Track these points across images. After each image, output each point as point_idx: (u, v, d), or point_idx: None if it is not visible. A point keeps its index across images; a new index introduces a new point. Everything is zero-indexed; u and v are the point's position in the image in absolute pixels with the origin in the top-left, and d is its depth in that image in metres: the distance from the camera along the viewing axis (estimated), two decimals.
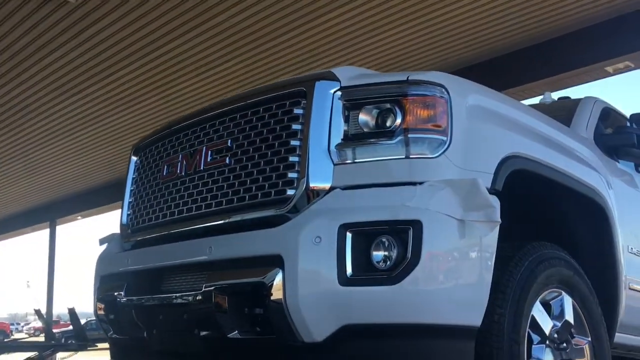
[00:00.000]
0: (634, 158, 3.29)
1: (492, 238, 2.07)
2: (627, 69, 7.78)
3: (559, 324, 2.38)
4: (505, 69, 7.73)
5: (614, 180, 3.08)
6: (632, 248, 3.00)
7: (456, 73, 2.72)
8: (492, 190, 2.16)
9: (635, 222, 3.14)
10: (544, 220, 2.76)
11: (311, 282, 1.99)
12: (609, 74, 7.93)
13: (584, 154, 2.95)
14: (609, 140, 3.31)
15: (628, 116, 3.73)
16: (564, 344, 2.42)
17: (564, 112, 3.54)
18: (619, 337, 2.89)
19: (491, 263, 2.07)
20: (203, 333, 2.23)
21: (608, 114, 3.66)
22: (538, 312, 2.27)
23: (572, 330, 2.46)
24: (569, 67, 7.51)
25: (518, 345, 2.11)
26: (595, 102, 3.62)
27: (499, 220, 2.05)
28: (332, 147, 2.19)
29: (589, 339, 2.49)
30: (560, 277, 2.41)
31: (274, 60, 7.50)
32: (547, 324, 2.30)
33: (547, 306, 2.38)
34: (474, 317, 2.02)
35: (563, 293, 2.42)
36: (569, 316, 2.41)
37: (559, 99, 4.32)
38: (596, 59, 7.41)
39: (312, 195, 2.15)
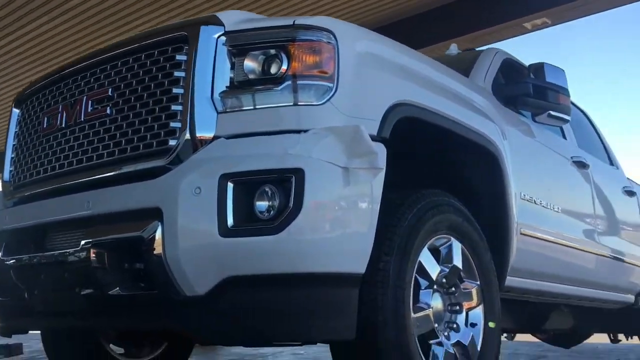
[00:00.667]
0: (531, 108, 3.35)
1: (376, 185, 2.06)
2: (545, 26, 7.98)
3: (447, 269, 2.42)
4: (424, 28, 7.76)
5: (510, 129, 3.14)
6: (525, 195, 3.08)
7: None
8: (378, 138, 2.14)
9: (529, 170, 3.23)
10: (437, 168, 2.78)
11: (191, 234, 1.93)
12: (527, 31, 8.10)
13: (480, 103, 2.98)
14: (507, 90, 3.36)
15: None
16: (453, 289, 2.47)
17: (467, 64, 3.57)
18: (512, 281, 3.00)
19: (376, 210, 2.06)
20: (84, 291, 2.14)
21: (509, 65, 3.71)
22: (426, 258, 2.30)
23: (461, 274, 2.52)
24: (487, 24, 7.63)
25: (403, 291, 2.13)
26: (496, 53, 3.66)
27: (383, 167, 2.04)
28: (216, 95, 2.11)
29: (478, 283, 2.56)
30: (449, 223, 2.44)
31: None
32: (434, 270, 2.34)
33: (436, 252, 2.42)
34: (358, 265, 2.02)
35: (452, 239, 2.46)
36: (458, 261, 2.46)
37: (464, 51, 4.35)
38: (514, 15, 7.55)
39: (195, 145, 2.07)
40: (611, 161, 5.01)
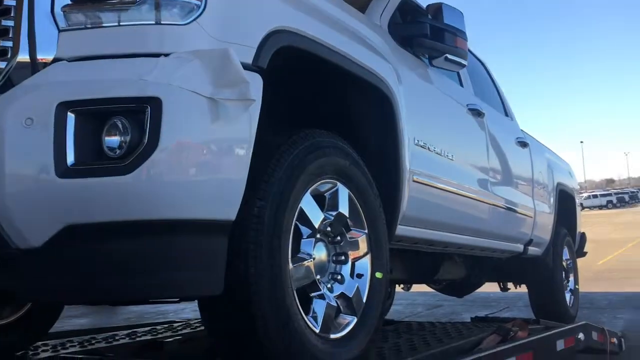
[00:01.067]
0: (427, 49, 3.19)
1: (247, 120, 1.80)
2: None
3: (332, 217, 2.23)
4: None
5: (406, 71, 2.97)
6: (418, 141, 2.94)
7: None
8: (254, 67, 1.87)
9: (424, 116, 3.09)
10: (324, 107, 2.56)
11: (21, 175, 1.60)
12: None
13: (374, 41, 2.76)
14: (403, 30, 3.17)
15: None
16: (338, 237, 2.29)
17: (364, 0, 3.34)
18: (403, 230, 2.87)
19: (248, 150, 1.81)
20: None
21: (408, 5, 3.53)
22: (307, 204, 2.09)
23: (348, 222, 2.34)
24: None
25: (279, 240, 1.91)
26: None
27: (255, 99, 1.78)
28: (58, 9, 1.75)
29: (366, 231, 2.39)
30: (335, 167, 2.23)
31: None
32: (317, 217, 2.13)
33: (320, 198, 2.21)
34: (227, 211, 1.77)
35: (338, 184, 2.26)
36: (344, 208, 2.26)
37: None
38: None
39: (30, 68, 1.72)
40: (506, 112, 5.02)
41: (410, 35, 3.15)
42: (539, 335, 3.47)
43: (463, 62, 3.33)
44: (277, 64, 1.98)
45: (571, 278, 5.96)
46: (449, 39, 3.22)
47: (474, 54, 4.93)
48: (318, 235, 2.17)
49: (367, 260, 2.38)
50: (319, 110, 2.54)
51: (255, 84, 1.84)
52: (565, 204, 5.89)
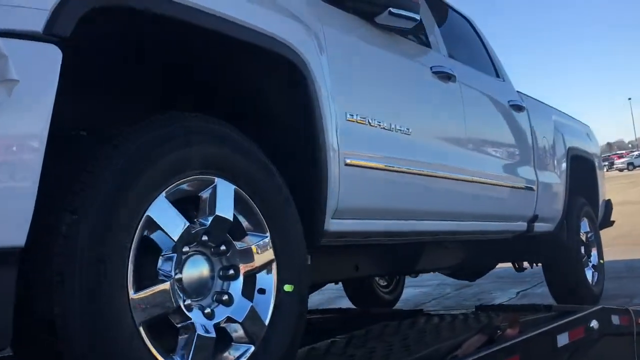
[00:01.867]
0: (363, 3, 2.65)
1: (31, 109, 1.33)
2: None
3: (207, 222, 1.74)
4: None
5: (334, 34, 2.44)
6: (353, 115, 2.42)
7: None
8: (47, 36, 1.39)
9: (363, 84, 2.56)
10: (217, 83, 2.07)
11: None
12: None
13: None
14: None
15: None
16: (223, 247, 1.80)
17: None
18: (340, 225, 2.36)
19: (38, 148, 1.33)
20: None
21: None
22: (159, 210, 1.59)
23: (242, 226, 1.85)
24: None
25: (105, 264, 1.43)
26: None
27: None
28: None
29: (267, 235, 1.90)
30: (208, 158, 1.74)
31: None
32: (176, 226, 1.64)
33: (189, 200, 1.73)
34: (11, 235, 1.30)
35: (217, 180, 1.77)
36: (225, 210, 1.77)
37: None
38: None
39: None
40: (498, 73, 4.41)
41: None
42: (533, 332, 2.92)
43: (414, 16, 2.78)
44: (119, 30, 1.51)
45: (593, 252, 5.33)
46: None
47: (457, 10, 4.34)
48: (187, 249, 1.70)
49: (271, 271, 1.89)
50: (206, 87, 2.05)
51: (46, 58, 1.36)
52: (582, 170, 5.24)
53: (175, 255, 1.63)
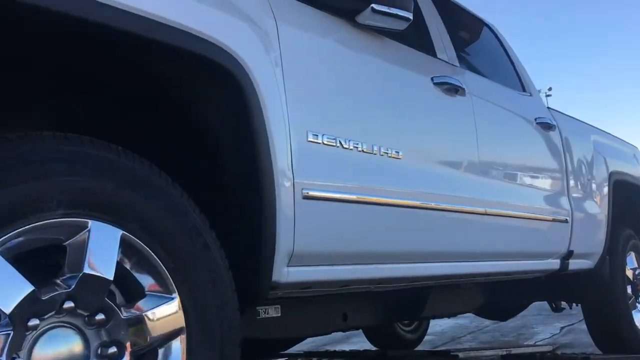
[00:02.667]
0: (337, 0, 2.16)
1: None
2: None
3: (72, 284, 1.26)
4: None
5: (297, 35, 1.96)
6: (318, 135, 1.92)
7: None
8: None
9: (333, 95, 2.06)
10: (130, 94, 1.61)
11: None
12: None
13: None
14: None
15: None
16: (101, 316, 1.31)
17: None
18: (300, 273, 1.85)
19: None
20: None
21: None
22: None
23: (143, 286, 1.37)
24: None
25: None
26: None
27: None
28: None
29: (175, 296, 1.40)
30: (75, 194, 1.27)
31: None
32: (12, 292, 1.16)
33: (43, 252, 1.26)
34: None
35: (91, 223, 1.29)
36: (101, 265, 1.28)
37: None
38: None
39: None
40: (523, 86, 3.84)
41: None
42: None
43: (404, 14, 2.27)
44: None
45: None
46: None
47: (475, 16, 3.81)
48: (37, 321, 1.21)
49: (177, 345, 1.39)
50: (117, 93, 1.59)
51: None
52: (627, 197, 4.57)
53: (11, 332, 1.15)
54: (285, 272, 1.80)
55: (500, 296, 3.92)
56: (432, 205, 2.39)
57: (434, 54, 2.85)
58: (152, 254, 1.38)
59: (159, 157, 1.54)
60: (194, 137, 1.69)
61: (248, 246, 1.69)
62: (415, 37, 2.97)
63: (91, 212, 1.29)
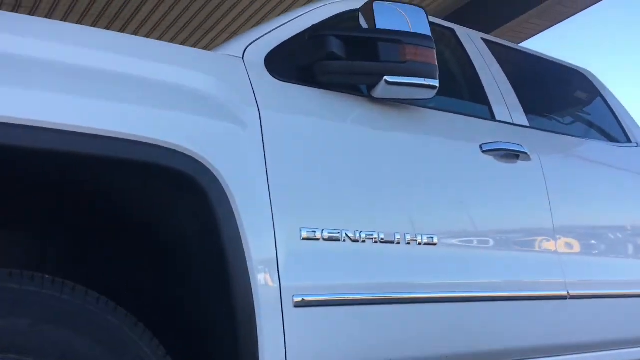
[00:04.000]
0: (339, 75, 1.95)
1: None
2: None
3: None
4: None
5: (285, 119, 1.80)
6: (317, 231, 1.71)
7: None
8: None
9: (331, 185, 1.84)
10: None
11: None
12: None
13: (203, 89, 1.66)
14: (299, 60, 1.98)
15: None
16: None
17: None
18: None
19: None
20: None
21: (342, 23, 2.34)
22: None
23: None
24: None
25: None
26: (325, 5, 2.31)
27: None
28: None
29: None
30: None
31: None
32: None
33: None
34: None
35: None
36: None
37: None
38: None
39: None
40: (627, 136, 3.32)
41: (306, 64, 1.97)
42: None
43: (428, 83, 2.03)
44: None
45: None
46: (387, 51, 1.98)
47: (566, 65, 3.41)
48: None
49: None
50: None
51: None
52: None
53: None
54: None
55: None
56: (486, 294, 2.04)
57: (492, 117, 2.53)
58: None
59: (119, 277, 1.43)
60: (162, 256, 1.56)
61: None
62: (470, 99, 2.69)
63: (5, 354, 1.19)
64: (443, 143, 2.20)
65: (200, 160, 1.51)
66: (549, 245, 2.36)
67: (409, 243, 1.91)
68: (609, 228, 2.68)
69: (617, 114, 3.42)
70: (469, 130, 2.35)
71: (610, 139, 3.21)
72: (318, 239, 1.71)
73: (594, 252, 2.55)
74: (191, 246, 1.56)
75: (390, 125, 2.07)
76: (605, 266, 2.54)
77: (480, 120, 2.46)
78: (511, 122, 2.57)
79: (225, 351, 1.51)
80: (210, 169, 1.52)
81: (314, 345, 1.62)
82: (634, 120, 3.48)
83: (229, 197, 1.53)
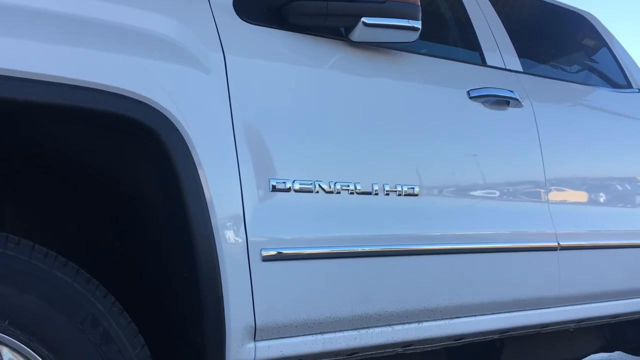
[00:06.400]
0: (312, 17, 1.82)
1: None
2: None
3: None
4: None
5: (254, 63, 1.69)
6: (287, 181, 1.62)
7: None
8: None
9: (304, 133, 1.73)
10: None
11: None
12: None
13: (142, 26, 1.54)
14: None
15: None
16: None
17: None
18: (259, 349, 1.55)
19: None
20: None
21: None
22: None
23: None
24: None
25: None
26: None
27: None
28: None
29: None
30: None
31: None
32: None
33: None
34: None
35: None
36: None
37: None
38: None
39: None
40: (628, 81, 3.17)
41: (280, 3, 1.85)
42: None
43: (411, 24, 1.90)
44: None
45: None
46: None
47: (566, 8, 3.24)
48: None
49: None
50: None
51: None
52: None
53: None
54: (251, 349, 1.52)
55: (617, 338, 3.22)
56: (469, 245, 1.97)
57: (482, 62, 2.41)
58: (33, 353, 1.19)
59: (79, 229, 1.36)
60: (121, 204, 1.49)
61: (192, 325, 1.44)
62: (461, 44, 2.56)
63: None
64: (427, 89, 2.08)
65: (156, 107, 1.42)
66: (540, 195, 2.26)
67: (387, 194, 1.82)
68: (605, 177, 2.58)
69: (619, 59, 3.27)
70: (457, 75, 2.23)
71: (612, 84, 3.08)
72: (289, 190, 1.63)
73: (587, 202, 2.46)
74: (151, 200, 1.48)
75: (369, 71, 1.96)
76: (600, 217, 2.45)
77: (470, 65, 2.34)
78: (503, 67, 2.45)
79: (189, 309, 1.45)
80: (169, 116, 1.43)
81: (283, 300, 1.56)
82: (637, 66, 3.33)
83: (189, 147, 1.45)
